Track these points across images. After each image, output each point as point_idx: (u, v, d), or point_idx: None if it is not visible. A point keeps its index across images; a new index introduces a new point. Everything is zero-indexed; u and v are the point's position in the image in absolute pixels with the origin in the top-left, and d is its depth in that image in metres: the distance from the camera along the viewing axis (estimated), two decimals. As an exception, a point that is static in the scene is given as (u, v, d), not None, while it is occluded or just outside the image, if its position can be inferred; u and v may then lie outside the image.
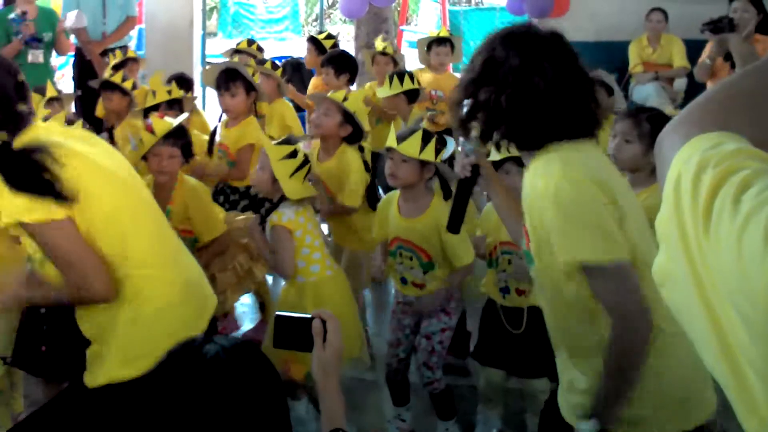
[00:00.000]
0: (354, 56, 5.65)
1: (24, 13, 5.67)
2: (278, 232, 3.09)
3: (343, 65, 5.19)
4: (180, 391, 1.30)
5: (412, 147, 3.13)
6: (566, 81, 1.90)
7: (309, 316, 1.62)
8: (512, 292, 3.16)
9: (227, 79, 4.13)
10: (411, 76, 4.78)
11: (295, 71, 5.62)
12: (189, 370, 1.32)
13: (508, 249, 3.10)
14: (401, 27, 13.38)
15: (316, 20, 17.65)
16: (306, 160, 3.14)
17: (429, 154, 3.14)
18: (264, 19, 20.06)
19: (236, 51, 5.42)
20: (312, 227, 3.16)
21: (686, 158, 0.80)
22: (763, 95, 0.88)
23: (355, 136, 3.74)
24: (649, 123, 2.89)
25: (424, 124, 3.94)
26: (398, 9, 14.29)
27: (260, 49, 5.56)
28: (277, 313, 1.65)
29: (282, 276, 3.08)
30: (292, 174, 3.07)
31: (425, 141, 3.14)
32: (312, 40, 5.98)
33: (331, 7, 20.57)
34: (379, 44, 5.77)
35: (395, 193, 3.33)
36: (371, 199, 3.82)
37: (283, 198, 3.10)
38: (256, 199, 4.06)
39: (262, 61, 5.03)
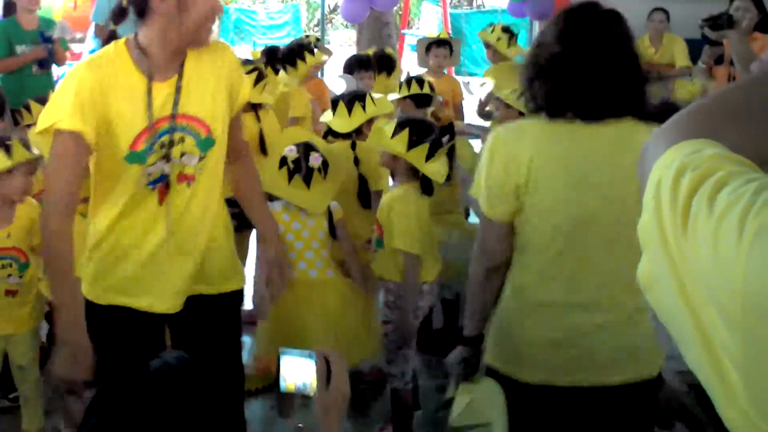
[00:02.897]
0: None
1: (51, 39, 5.71)
2: None
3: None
4: (120, 399, 1.31)
5: (378, 135, 3.18)
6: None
7: (313, 359, 1.57)
8: None
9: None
10: (420, 81, 4.69)
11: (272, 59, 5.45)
12: (131, 380, 1.34)
13: None
14: (403, 31, 13.38)
15: (317, 26, 17.65)
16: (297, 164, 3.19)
17: (398, 144, 3.12)
18: (265, 25, 20.08)
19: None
20: (299, 228, 3.21)
21: (668, 164, 0.82)
22: (751, 108, 0.88)
23: None
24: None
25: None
26: (400, 13, 14.28)
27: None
28: (281, 352, 1.61)
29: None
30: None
31: (399, 129, 3.12)
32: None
33: (332, 12, 20.57)
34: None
35: None
36: (363, 196, 3.68)
37: None
38: None
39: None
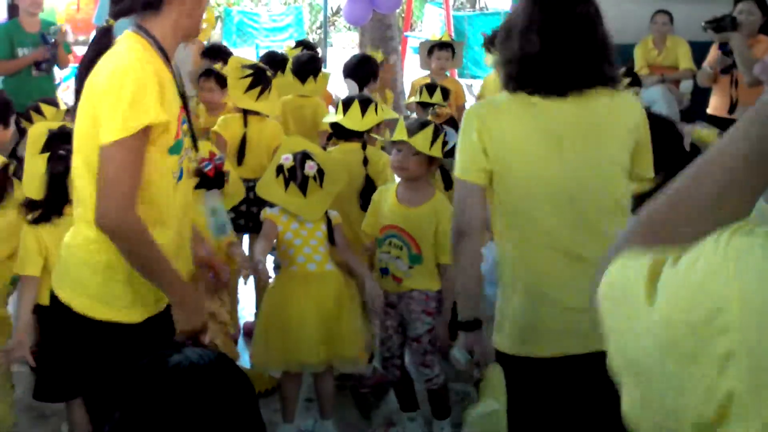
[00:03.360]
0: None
1: (54, 43, 5.71)
2: (264, 221, 3.33)
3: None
4: (136, 396, 1.30)
5: (424, 141, 3.16)
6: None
7: None
8: None
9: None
10: (431, 89, 4.80)
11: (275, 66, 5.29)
12: (149, 376, 1.32)
13: None
14: (405, 33, 13.36)
15: (320, 28, 17.67)
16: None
17: (438, 149, 3.20)
18: (268, 27, 20.06)
19: None
20: (297, 227, 3.28)
21: (616, 269, 0.81)
22: (692, 210, 0.87)
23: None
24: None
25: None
26: (402, 15, 14.27)
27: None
28: None
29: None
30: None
31: (435, 136, 3.18)
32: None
33: (335, 14, 20.57)
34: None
35: (390, 185, 3.38)
36: (366, 197, 3.64)
37: None
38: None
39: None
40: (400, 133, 3.18)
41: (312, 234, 3.28)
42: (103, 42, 2.20)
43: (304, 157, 3.29)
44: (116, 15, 2.21)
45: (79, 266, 2.19)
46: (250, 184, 4.09)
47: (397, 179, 3.42)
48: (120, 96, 2.01)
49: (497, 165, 2.11)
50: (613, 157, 2.12)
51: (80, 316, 2.17)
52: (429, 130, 3.17)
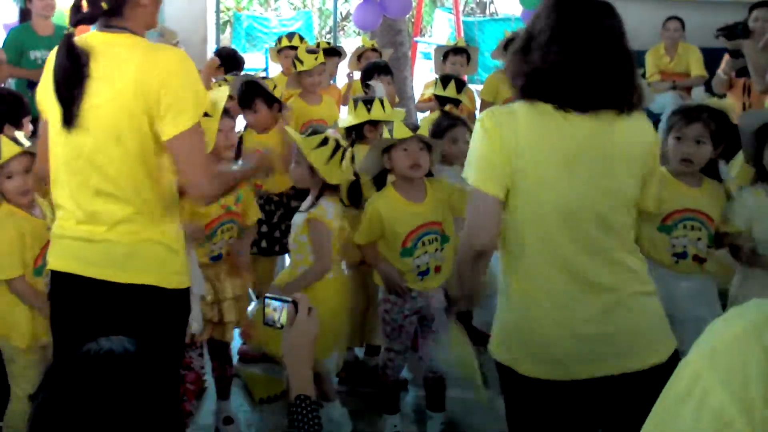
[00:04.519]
0: None
1: None
2: (318, 226, 3.16)
3: None
4: (53, 378, 1.31)
5: (427, 133, 3.31)
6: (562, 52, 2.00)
7: (289, 299, 1.78)
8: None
9: (247, 96, 4.10)
10: (444, 80, 4.87)
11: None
12: (67, 361, 1.34)
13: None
14: (415, 38, 13.37)
15: (329, 33, 17.70)
16: (338, 145, 3.22)
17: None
18: (277, 32, 20.09)
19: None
20: (338, 225, 3.25)
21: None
22: None
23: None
24: (713, 120, 2.99)
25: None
26: (412, 20, 14.28)
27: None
28: (266, 294, 1.82)
29: (318, 270, 3.18)
30: (329, 160, 3.16)
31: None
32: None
33: (344, 19, 20.61)
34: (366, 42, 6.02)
35: (382, 193, 3.34)
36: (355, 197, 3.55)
37: (323, 191, 3.20)
38: (291, 207, 4.00)
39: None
40: (404, 131, 3.22)
41: (341, 235, 3.27)
42: (73, 49, 2.22)
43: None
44: (77, 23, 2.26)
45: (157, 248, 2.30)
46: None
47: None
48: (187, 86, 2.20)
49: (515, 173, 2.02)
50: (623, 187, 2.04)
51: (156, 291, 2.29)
52: (424, 123, 3.30)
